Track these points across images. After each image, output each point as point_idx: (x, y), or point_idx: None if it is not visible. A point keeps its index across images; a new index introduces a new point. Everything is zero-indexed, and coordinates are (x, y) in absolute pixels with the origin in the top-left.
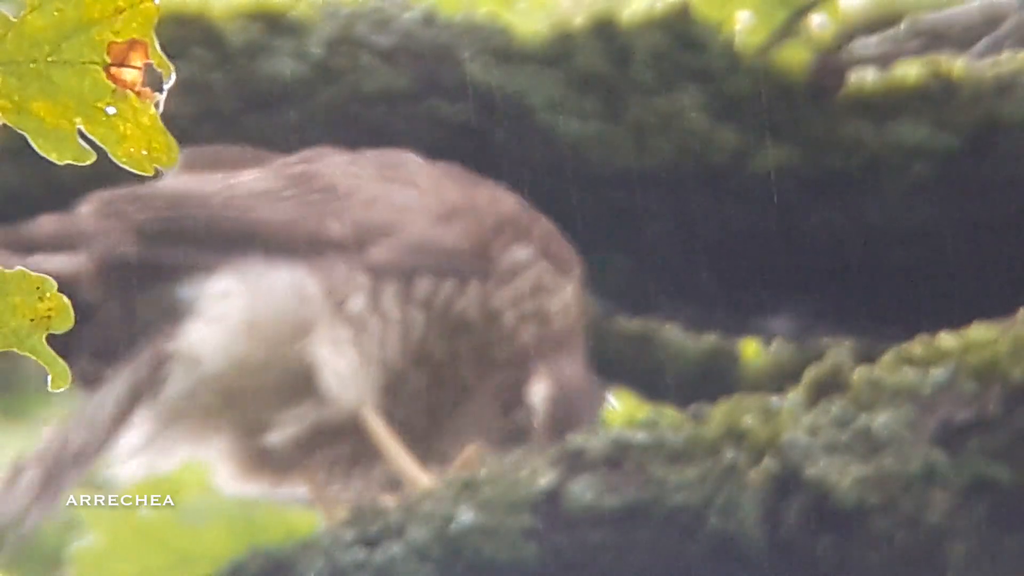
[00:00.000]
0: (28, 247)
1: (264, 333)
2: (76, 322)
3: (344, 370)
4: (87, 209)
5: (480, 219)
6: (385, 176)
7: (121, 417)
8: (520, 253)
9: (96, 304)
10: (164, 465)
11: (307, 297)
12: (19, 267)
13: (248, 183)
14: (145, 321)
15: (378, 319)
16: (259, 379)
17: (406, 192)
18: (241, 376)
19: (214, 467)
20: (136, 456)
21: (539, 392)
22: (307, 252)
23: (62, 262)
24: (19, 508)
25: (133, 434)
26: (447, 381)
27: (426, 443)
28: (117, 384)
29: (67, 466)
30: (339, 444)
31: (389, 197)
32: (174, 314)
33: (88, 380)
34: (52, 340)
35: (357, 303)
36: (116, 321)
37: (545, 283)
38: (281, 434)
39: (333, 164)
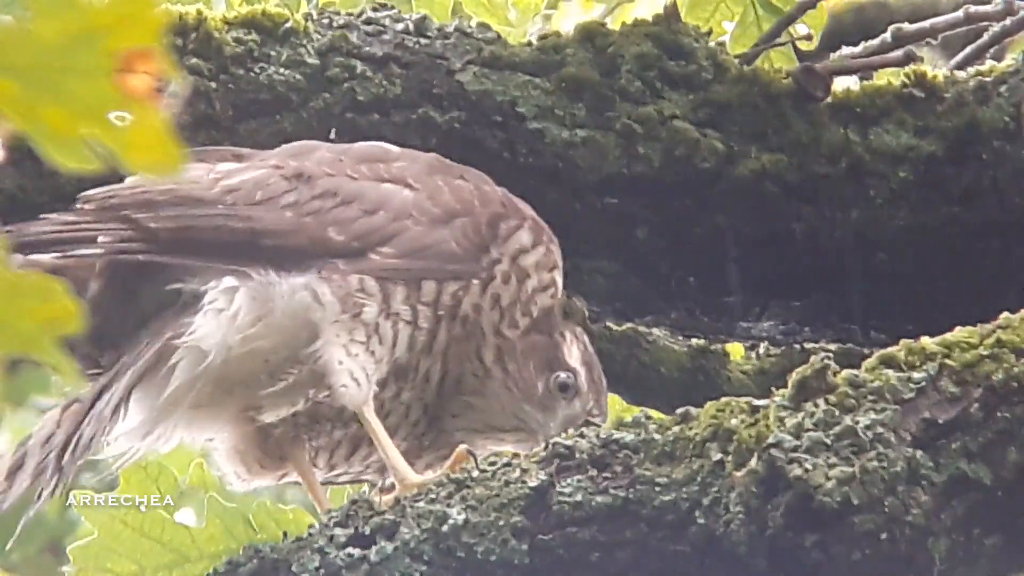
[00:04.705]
0: (30, 247)
1: (269, 329)
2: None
3: (358, 372)
4: (88, 207)
5: (475, 219)
6: (379, 175)
7: (125, 406)
8: (523, 238)
9: (97, 292)
10: (162, 450)
11: (319, 301)
12: (29, 269)
13: (247, 189)
14: (148, 311)
15: (390, 322)
16: (259, 370)
17: (403, 194)
18: (242, 368)
19: (221, 468)
20: (132, 440)
21: (574, 355)
22: (312, 259)
23: (64, 261)
24: (24, 493)
25: (130, 419)
26: (461, 362)
27: (439, 421)
28: (125, 376)
29: (76, 455)
30: (338, 430)
31: (389, 201)
32: (182, 306)
33: (86, 362)
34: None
35: (371, 311)
36: (117, 309)
37: (547, 259)
38: (275, 414)
39: (326, 163)
